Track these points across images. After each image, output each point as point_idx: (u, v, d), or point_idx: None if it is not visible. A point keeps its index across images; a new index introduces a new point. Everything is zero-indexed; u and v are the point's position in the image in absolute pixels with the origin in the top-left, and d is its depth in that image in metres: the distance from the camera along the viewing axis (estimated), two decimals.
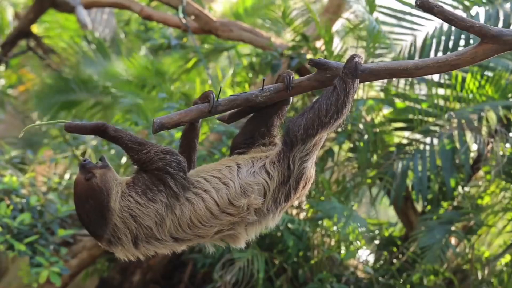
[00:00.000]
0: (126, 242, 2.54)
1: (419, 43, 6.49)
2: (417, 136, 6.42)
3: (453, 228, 5.92)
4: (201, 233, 2.61)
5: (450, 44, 6.26)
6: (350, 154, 6.59)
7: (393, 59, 6.26)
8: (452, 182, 6.11)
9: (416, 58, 6.36)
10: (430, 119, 6.31)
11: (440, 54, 6.18)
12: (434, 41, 6.33)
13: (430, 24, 6.49)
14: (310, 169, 2.73)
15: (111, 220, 2.52)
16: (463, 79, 6.16)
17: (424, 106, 6.33)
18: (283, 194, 2.69)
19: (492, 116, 6.10)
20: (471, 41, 6.01)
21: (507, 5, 6.10)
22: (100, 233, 2.54)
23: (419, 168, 6.11)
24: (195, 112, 2.59)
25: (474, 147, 6.24)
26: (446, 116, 6.15)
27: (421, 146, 6.27)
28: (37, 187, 6.83)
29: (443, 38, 6.29)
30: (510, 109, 6.04)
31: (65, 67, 9.35)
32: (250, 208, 2.61)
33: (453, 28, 6.19)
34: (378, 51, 6.29)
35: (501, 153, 5.86)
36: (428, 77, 6.36)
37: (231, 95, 2.62)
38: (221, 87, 2.81)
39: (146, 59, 8.38)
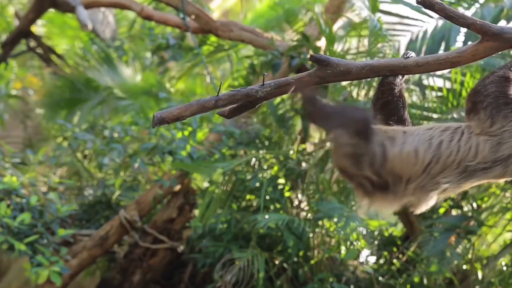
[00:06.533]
0: None
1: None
2: None
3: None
4: None
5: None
6: None
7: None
8: None
9: None
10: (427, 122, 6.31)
11: None
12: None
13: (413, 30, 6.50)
14: None
15: None
16: (461, 83, 6.15)
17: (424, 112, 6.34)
18: None
19: None
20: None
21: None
22: None
23: None
24: (195, 107, 2.59)
25: None
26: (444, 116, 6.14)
27: None
28: (37, 187, 6.82)
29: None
30: None
31: (68, 68, 9.35)
32: None
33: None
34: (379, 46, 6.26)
35: None
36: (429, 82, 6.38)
37: (231, 90, 2.62)
38: (221, 82, 2.81)
39: (157, 75, 8.37)
